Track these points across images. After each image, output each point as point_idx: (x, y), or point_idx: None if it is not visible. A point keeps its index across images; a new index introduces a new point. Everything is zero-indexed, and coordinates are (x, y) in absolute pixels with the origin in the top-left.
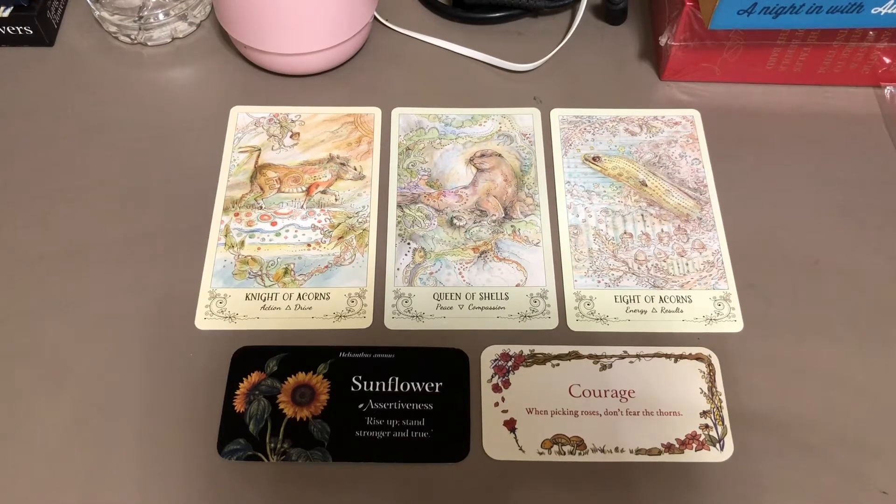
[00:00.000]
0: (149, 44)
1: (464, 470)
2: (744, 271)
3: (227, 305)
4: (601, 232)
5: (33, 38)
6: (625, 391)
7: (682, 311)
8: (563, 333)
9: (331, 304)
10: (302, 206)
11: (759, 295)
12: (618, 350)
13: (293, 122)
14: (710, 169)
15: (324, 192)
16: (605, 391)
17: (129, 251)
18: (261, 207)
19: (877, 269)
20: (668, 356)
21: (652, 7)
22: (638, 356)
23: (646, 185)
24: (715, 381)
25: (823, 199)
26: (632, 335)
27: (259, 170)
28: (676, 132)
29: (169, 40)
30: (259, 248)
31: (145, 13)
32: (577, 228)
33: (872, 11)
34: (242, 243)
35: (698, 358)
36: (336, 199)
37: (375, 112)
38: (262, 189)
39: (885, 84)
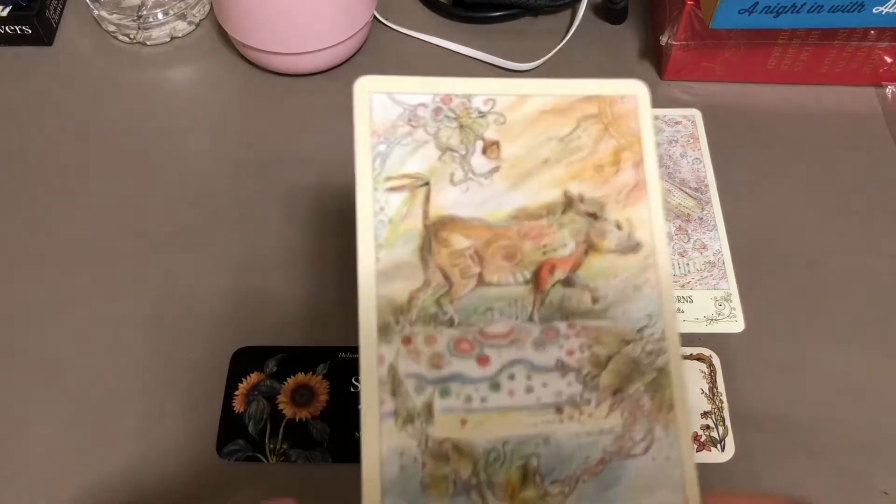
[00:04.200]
0: (148, 43)
1: None
2: (745, 271)
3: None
4: None
5: (32, 38)
6: None
7: (682, 312)
8: None
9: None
10: (531, 316)
11: (760, 295)
12: None
13: (484, 115)
14: (711, 169)
15: (566, 280)
16: None
17: (128, 251)
18: (452, 323)
19: (877, 269)
20: None
21: (652, 6)
22: None
23: None
24: (716, 381)
25: (825, 199)
26: None
27: (433, 232)
28: (677, 132)
29: (168, 40)
30: (465, 423)
31: (144, 12)
32: None
33: (874, 11)
34: (430, 409)
35: (699, 358)
36: (594, 299)
37: (638, 94)
38: (446, 278)
39: (887, 83)
